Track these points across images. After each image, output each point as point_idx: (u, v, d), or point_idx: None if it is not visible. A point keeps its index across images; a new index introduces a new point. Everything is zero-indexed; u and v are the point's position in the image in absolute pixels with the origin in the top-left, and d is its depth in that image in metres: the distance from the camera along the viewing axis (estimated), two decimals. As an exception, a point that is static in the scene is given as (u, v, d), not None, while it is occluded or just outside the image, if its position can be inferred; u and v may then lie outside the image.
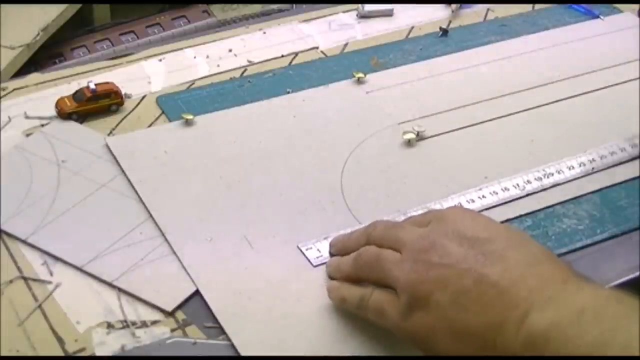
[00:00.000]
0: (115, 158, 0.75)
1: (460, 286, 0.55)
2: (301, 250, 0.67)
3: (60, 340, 0.60)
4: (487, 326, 0.53)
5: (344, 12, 0.98)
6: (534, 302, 0.52)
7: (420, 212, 0.71)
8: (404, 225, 0.62)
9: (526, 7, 1.02)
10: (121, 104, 0.81)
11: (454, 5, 0.99)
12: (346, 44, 0.93)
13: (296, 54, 0.91)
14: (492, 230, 0.57)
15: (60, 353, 0.59)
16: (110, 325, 0.61)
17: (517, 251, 0.55)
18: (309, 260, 0.66)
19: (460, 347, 0.54)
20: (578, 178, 0.76)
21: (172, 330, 0.62)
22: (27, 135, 0.77)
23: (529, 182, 0.75)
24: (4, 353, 0.59)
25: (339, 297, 0.62)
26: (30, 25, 0.89)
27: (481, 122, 0.82)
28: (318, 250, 0.67)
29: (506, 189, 0.74)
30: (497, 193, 0.74)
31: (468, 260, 0.55)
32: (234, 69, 0.88)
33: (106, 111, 0.80)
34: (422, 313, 0.56)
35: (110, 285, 0.64)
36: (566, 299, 0.52)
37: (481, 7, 1.00)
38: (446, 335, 0.55)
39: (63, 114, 0.79)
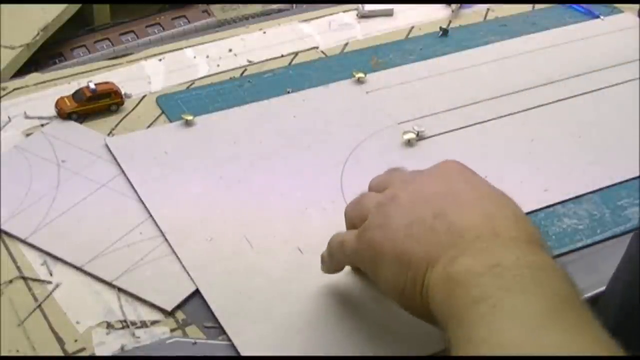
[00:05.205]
0: (115, 158, 0.75)
1: (421, 215, 0.55)
2: None
3: (60, 340, 0.60)
4: (426, 257, 0.53)
5: (344, 12, 0.98)
6: (472, 248, 0.52)
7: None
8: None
9: (526, 7, 1.02)
10: (121, 103, 0.81)
11: (454, 5, 0.99)
12: (346, 44, 0.93)
13: (296, 53, 0.91)
14: (476, 184, 0.58)
15: (60, 353, 0.59)
16: (110, 325, 0.61)
17: (491, 204, 0.56)
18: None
19: (396, 271, 0.54)
20: (578, 177, 0.76)
21: (172, 330, 0.62)
22: (27, 135, 0.77)
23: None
24: (4, 353, 0.59)
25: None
26: (30, 25, 0.89)
27: (481, 122, 0.82)
28: None
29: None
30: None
31: (438, 195, 0.56)
32: (234, 69, 0.88)
33: (106, 111, 0.80)
34: (376, 231, 0.56)
35: (110, 285, 0.64)
36: (493, 252, 0.51)
37: (481, 7, 1.00)
38: (390, 254, 0.55)
39: (63, 114, 0.79)
